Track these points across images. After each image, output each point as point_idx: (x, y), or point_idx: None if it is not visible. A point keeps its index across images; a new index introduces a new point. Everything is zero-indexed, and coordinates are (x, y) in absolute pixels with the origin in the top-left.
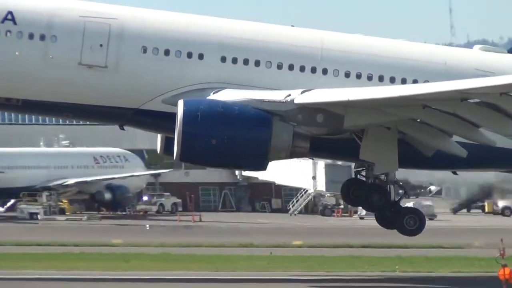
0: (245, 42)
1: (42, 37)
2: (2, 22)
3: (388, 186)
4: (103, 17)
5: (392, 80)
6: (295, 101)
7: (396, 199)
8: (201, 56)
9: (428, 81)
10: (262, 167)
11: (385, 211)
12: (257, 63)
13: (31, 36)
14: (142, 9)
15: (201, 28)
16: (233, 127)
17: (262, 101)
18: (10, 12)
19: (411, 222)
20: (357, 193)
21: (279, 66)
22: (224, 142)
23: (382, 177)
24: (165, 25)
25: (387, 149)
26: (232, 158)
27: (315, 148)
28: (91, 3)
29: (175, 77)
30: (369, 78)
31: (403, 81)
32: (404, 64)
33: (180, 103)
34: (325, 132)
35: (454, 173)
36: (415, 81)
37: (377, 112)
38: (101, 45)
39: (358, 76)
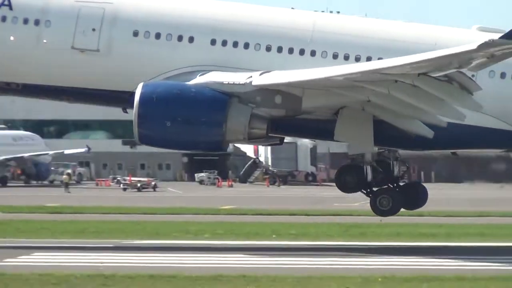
0: (234, 24)
1: (37, 22)
2: None
3: (365, 167)
4: (98, 1)
5: None
6: (253, 83)
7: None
8: (191, 39)
9: None
10: (220, 149)
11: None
12: (246, 46)
13: (25, 21)
14: None
15: (192, 11)
16: (188, 109)
17: (222, 83)
18: None
19: (384, 203)
20: (351, 178)
21: (268, 48)
22: (179, 124)
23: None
24: (157, 8)
25: (362, 129)
26: (188, 140)
27: (295, 129)
28: None
29: (166, 60)
30: (357, 59)
31: None
32: (394, 46)
33: (139, 86)
34: (283, 114)
35: (453, 153)
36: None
37: (330, 93)
38: (93, 29)
39: (346, 57)
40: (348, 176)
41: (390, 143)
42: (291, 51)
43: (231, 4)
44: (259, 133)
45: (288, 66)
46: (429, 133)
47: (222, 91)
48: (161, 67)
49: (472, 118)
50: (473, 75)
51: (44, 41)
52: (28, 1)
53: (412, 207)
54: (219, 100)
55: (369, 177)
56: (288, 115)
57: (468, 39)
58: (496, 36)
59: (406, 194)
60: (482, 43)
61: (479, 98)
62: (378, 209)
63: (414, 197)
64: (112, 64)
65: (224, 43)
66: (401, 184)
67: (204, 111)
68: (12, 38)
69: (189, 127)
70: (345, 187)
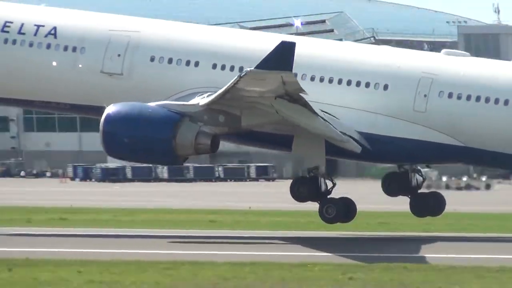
0: (232, 50)
1: (74, 49)
2: (45, 36)
3: (319, 178)
4: (127, 30)
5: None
6: (200, 104)
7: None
8: (196, 64)
9: (387, 85)
10: (175, 162)
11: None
12: (240, 69)
13: (65, 48)
14: (162, 21)
15: (197, 38)
16: (141, 127)
17: (178, 104)
18: (54, 28)
19: (329, 211)
20: (303, 189)
21: (321, 79)
22: (135, 141)
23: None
24: (170, 36)
25: (315, 146)
26: (144, 154)
27: (259, 140)
28: (124, 17)
29: (177, 82)
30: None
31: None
32: (360, 67)
33: (108, 107)
34: (226, 131)
35: (427, 166)
36: (367, 84)
37: (255, 113)
38: (119, 55)
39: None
40: (301, 187)
41: (339, 155)
42: None
43: (231, 30)
44: (204, 148)
45: None
46: (356, 148)
47: (177, 111)
48: (173, 88)
49: (422, 134)
50: (425, 95)
51: (80, 65)
52: (70, 30)
53: (433, 214)
54: (170, 119)
55: (323, 187)
56: (231, 132)
57: (426, 61)
58: (456, 60)
59: (427, 202)
60: (236, 79)
61: (429, 115)
62: (324, 216)
63: (434, 205)
64: (133, 86)
65: (223, 67)
66: (420, 192)
67: (155, 129)
68: (54, 63)
69: (143, 143)
70: (298, 197)
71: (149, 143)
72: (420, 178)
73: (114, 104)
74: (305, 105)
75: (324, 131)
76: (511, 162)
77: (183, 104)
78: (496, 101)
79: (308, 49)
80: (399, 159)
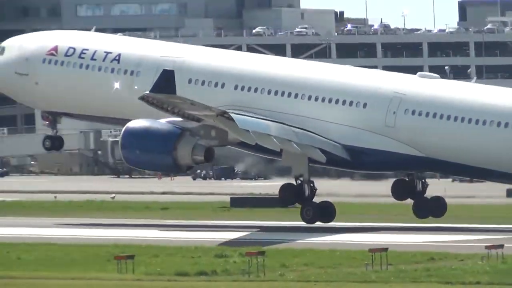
0: (252, 73)
1: (132, 73)
2: (111, 61)
3: (304, 184)
4: (175, 56)
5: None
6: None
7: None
8: (223, 85)
9: (366, 103)
10: (178, 170)
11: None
12: (262, 91)
13: (125, 72)
14: (203, 48)
15: (224, 62)
16: (148, 141)
17: (182, 120)
18: (119, 54)
19: (308, 213)
20: (289, 193)
21: (275, 93)
22: (144, 152)
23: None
24: (206, 61)
25: (299, 158)
26: (153, 164)
27: (256, 149)
28: (175, 45)
29: (207, 101)
30: None
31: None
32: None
33: (128, 123)
34: (217, 143)
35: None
36: (350, 103)
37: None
38: None
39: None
40: (287, 191)
41: (317, 163)
42: (283, 94)
43: (252, 55)
44: (199, 159)
45: (283, 107)
46: (321, 158)
47: (180, 126)
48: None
49: (392, 145)
50: (394, 112)
51: (135, 87)
52: (130, 57)
53: (436, 216)
54: (172, 134)
55: (306, 192)
56: (222, 144)
57: (394, 82)
58: (425, 81)
59: (429, 206)
60: (139, 97)
61: (397, 130)
62: (304, 218)
63: (436, 208)
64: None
65: (243, 88)
66: (424, 197)
67: (159, 142)
68: (117, 85)
69: (151, 154)
70: (285, 200)
71: (156, 154)
72: (424, 184)
73: (131, 121)
74: (231, 120)
75: (260, 142)
76: (469, 171)
77: (183, 121)
78: (455, 118)
79: (306, 73)
80: (374, 168)
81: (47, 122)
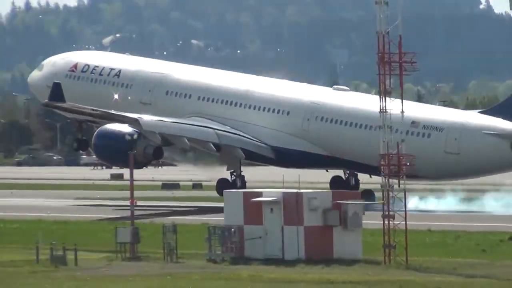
0: (212, 86)
1: (127, 86)
2: (113, 76)
3: (236, 178)
4: (159, 72)
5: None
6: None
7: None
8: (190, 96)
9: (289, 112)
10: (139, 167)
11: None
12: (216, 101)
13: (122, 85)
14: (183, 65)
15: (192, 77)
16: (111, 141)
17: (138, 125)
18: (120, 70)
19: None
20: (224, 186)
21: (226, 102)
22: (108, 150)
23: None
24: (178, 76)
25: (233, 157)
26: (116, 159)
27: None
28: (164, 63)
29: (180, 110)
30: None
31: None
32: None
33: (100, 127)
34: (163, 144)
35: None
36: (278, 111)
37: None
38: (149, 90)
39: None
40: (222, 184)
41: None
42: (231, 103)
43: (216, 71)
44: (149, 157)
45: (229, 114)
46: (241, 155)
47: (137, 129)
48: (179, 114)
49: (305, 146)
50: (308, 119)
51: (129, 97)
52: (127, 72)
53: None
54: (128, 135)
55: (239, 184)
56: (165, 145)
57: (313, 94)
58: (337, 93)
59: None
60: (43, 104)
61: (310, 133)
62: None
63: (367, 199)
64: (157, 110)
65: (204, 99)
66: (358, 190)
67: (119, 142)
68: (116, 96)
69: (113, 152)
70: (221, 192)
71: (115, 153)
72: (357, 180)
73: (102, 126)
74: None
75: (174, 142)
76: (364, 168)
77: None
78: (350, 124)
79: (245, 85)
80: (293, 165)
81: (75, 127)
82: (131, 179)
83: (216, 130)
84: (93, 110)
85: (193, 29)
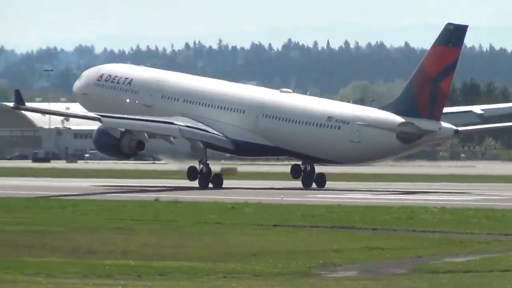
0: (196, 91)
1: (135, 92)
2: (126, 84)
3: (202, 166)
4: (160, 79)
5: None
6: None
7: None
8: (178, 99)
9: (244, 110)
10: (127, 158)
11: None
12: (195, 103)
13: (132, 91)
14: (180, 74)
15: (181, 82)
16: (104, 136)
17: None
18: (131, 79)
19: (200, 182)
20: (193, 172)
21: (201, 104)
22: (103, 144)
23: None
24: (172, 84)
25: (200, 148)
26: (109, 151)
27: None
28: (164, 71)
29: (171, 111)
30: None
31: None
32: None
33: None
34: (143, 139)
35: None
36: (237, 110)
37: None
38: (150, 95)
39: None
40: (192, 171)
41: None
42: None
43: (199, 78)
44: (133, 149)
45: (203, 113)
46: (200, 146)
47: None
48: (170, 114)
49: (257, 139)
50: (257, 116)
51: (136, 101)
52: (137, 81)
53: (319, 187)
54: (116, 132)
55: (204, 170)
56: (146, 139)
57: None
58: (281, 95)
59: (317, 180)
60: (13, 107)
61: (259, 128)
62: (200, 184)
63: (321, 181)
64: (156, 112)
65: (187, 101)
66: (315, 174)
67: (110, 138)
68: (128, 100)
69: (106, 145)
70: (191, 177)
71: (108, 146)
72: (312, 168)
73: (101, 125)
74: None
75: (139, 137)
76: (306, 158)
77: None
78: (289, 120)
79: (214, 88)
80: (249, 155)
81: None
82: None
83: (179, 126)
84: (52, 111)
85: None
